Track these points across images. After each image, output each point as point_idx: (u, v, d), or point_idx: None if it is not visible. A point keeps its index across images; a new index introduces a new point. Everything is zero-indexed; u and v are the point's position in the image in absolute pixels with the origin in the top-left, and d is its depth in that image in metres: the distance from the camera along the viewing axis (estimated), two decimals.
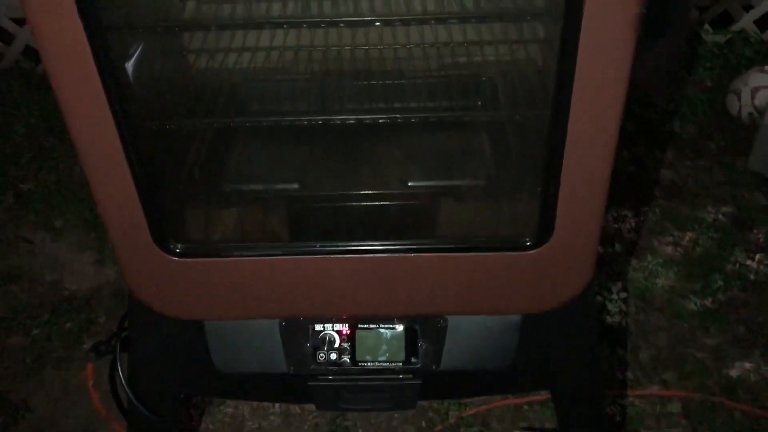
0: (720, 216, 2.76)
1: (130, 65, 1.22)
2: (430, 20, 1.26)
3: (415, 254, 1.32)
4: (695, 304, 2.43)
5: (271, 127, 1.31)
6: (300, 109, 1.40)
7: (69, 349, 2.40)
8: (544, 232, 1.26)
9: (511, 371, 1.46)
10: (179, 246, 1.31)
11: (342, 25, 1.24)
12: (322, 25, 1.21)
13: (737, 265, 2.54)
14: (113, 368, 1.73)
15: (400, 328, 1.46)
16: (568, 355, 1.46)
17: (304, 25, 1.22)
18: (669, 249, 2.64)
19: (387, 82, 1.45)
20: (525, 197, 1.32)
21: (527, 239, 1.27)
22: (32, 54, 3.76)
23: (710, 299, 2.44)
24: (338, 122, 1.31)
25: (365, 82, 1.43)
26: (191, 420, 2.14)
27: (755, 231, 2.67)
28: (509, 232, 1.38)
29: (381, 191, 1.42)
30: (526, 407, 2.12)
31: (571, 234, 1.26)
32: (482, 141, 1.47)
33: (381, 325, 1.47)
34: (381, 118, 1.30)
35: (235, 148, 1.48)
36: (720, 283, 2.47)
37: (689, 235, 2.69)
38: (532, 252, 1.28)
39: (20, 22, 3.67)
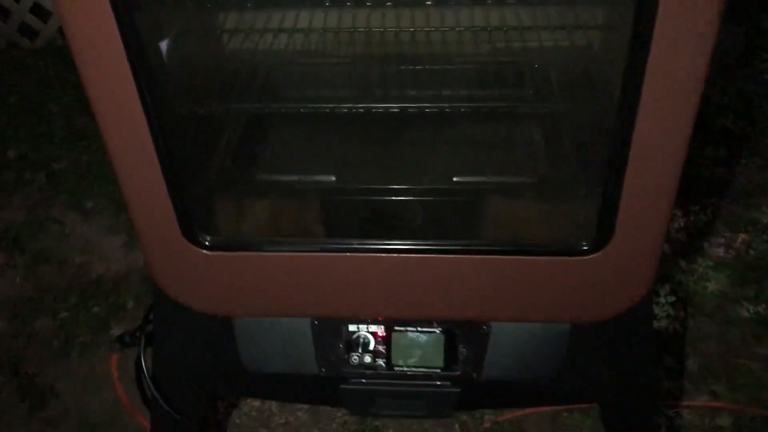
0: None
1: (162, 45, 1.13)
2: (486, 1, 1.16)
3: (460, 256, 1.23)
4: (748, 310, 2.29)
5: (308, 114, 1.22)
6: (339, 96, 1.30)
7: (96, 335, 2.36)
8: (603, 235, 1.15)
9: (557, 382, 1.36)
10: (209, 239, 1.23)
11: (389, 3, 1.13)
12: (368, 4, 1.10)
13: None
14: (138, 361, 1.67)
15: (439, 332, 1.37)
16: (621, 368, 1.36)
17: (348, 3, 1.11)
18: (720, 251, 2.50)
19: (434, 67, 1.34)
20: (582, 196, 1.21)
21: (584, 243, 1.17)
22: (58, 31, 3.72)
23: (764, 306, 2.30)
24: (380, 110, 1.21)
25: (410, 67, 1.32)
26: (217, 413, 2.08)
27: None
28: (563, 234, 1.27)
29: (424, 186, 1.31)
30: (565, 414, 2.02)
31: (633, 238, 1.15)
32: (534, 134, 1.36)
33: (419, 328, 1.38)
34: (427, 107, 1.20)
35: (268, 136, 1.39)
36: None
37: (742, 236, 2.55)
38: (588, 257, 1.18)
39: None
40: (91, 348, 2.32)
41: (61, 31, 3.71)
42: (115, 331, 2.36)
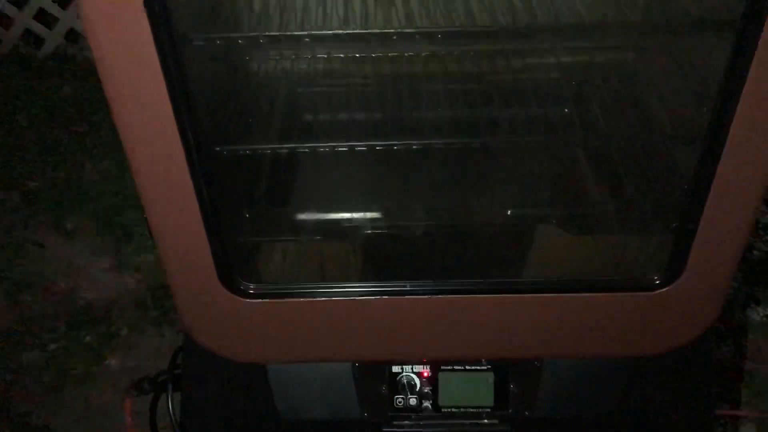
0: None
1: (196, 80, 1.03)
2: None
3: (516, 295, 1.16)
4: (757, 312, 2.29)
5: (349, 152, 1.14)
6: (382, 130, 1.22)
7: (90, 366, 2.23)
8: (673, 270, 1.10)
9: (613, 418, 1.30)
10: (250, 286, 1.13)
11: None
12: (417, 37, 1.03)
13: None
14: (154, 407, 1.56)
15: (488, 369, 1.30)
16: (679, 401, 1.31)
17: (394, 37, 1.04)
18: None
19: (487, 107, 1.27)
20: (651, 230, 1.15)
21: (654, 278, 1.11)
22: (32, 39, 3.53)
23: None
24: (421, 147, 1.14)
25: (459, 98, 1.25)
26: None
27: None
28: (628, 269, 1.21)
29: (476, 221, 1.24)
30: None
31: (704, 272, 1.10)
32: (592, 162, 1.29)
33: (467, 367, 1.31)
34: (473, 143, 1.13)
35: (305, 172, 1.30)
36: None
37: None
38: (656, 292, 1.12)
39: (19, 4, 3.44)
40: (85, 381, 2.19)
41: (24, 37, 3.52)
42: (111, 362, 2.24)
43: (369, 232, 1.26)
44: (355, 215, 1.25)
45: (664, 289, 1.12)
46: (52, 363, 2.23)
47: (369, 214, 1.25)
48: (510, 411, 1.31)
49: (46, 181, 2.88)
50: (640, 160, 1.22)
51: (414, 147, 1.11)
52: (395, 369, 1.32)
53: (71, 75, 3.45)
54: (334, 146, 1.06)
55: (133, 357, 2.25)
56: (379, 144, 1.08)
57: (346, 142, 1.10)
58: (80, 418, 2.10)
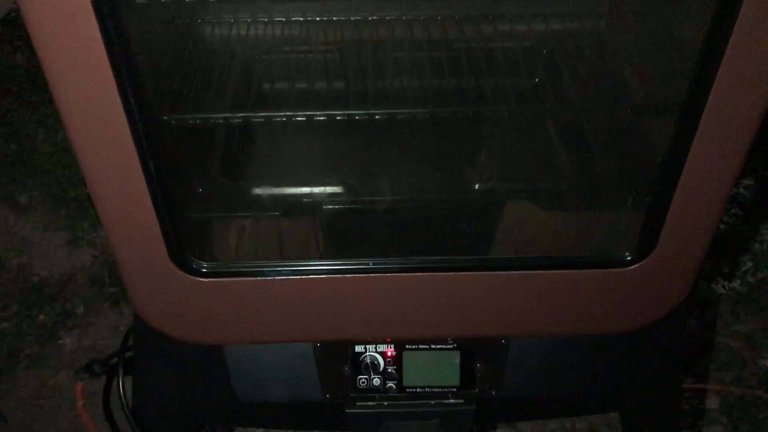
0: (742, 190, 2.61)
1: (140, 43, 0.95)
2: None
3: (483, 272, 1.11)
4: (723, 287, 2.28)
5: (307, 122, 1.07)
6: (341, 99, 1.15)
7: (43, 345, 2.14)
8: (644, 247, 1.06)
9: (580, 394, 1.28)
10: (203, 264, 1.07)
11: None
12: None
13: (765, 245, 2.40)
14: (107, 389, 1.50)
15: (454, 348, 1.26)
16: (649, 377, 1.29)
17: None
18: None
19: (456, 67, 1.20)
20: (623, 206, 1.11)
21: (625, 254, 1.07)
22: None
23: (739, 282, 2.30)
24: (386, 116, 1.08)
25: (427, 60, 1.18)
26: None
27: None
28: (599, 245, 1.17)
29: (441, 196, 1.18)
30: None
31: (676, 249, 1.06)
32: (564, 136, 1.24)
33: (432, 345, 1.27)
34: (441, 112, 1.07)
35: (261, 144, 1.23)
36: (749, 264, 2.33)
37: None
38: (627, 269, 1.09)
39: None
40: (38, 361, 2.10)
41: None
42: (66, 341, 2.16)
43: (330, 207, 1.20)
44: (315, 190, 1.19)
45: (636, 266, 1.08)
46: (3, 343, 2.14)
47: (329, 189, 1.19)
48: (476, 390, 1.27)
49: None
50: (613, 133, 1.18)
51: (377, 117, 1.05)
52: (358, 349, 1.27)
53: (23, 42, 3.30)
54: (292, 116, 1.00)
55: (90, 336, 2.17)
56: (339, 113, 1.01)
57: (305, 111, 1.04)
58: (33, 399, 2.02)
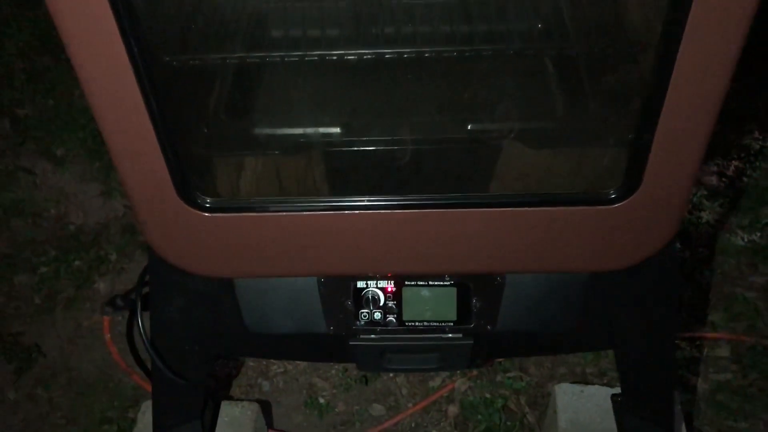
0: None
1: None
2: None
3: (476, 209, 1.16)
4: (743, 239, 2.28)
5: (308, 62, 1.11)
6: (341, 39, 1.19)
7: (79, 289, 2.27)
8: (631, 183, 1.09)
9: (575, 331, 1.32)
10: (208, 200, 1.14)
11: None
12: None
13: None
14: (131, 324, 1.60)
15: (451, 284, 1.31)
16: (642, 315, 1.32)
17: None
18: (713, 179, 2.47)
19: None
20: (608, 143, 1.14)
21: (610, 192, 1.10)
22: None
23: (759, 234, 2.29)
24: (387, 55, 1.12)
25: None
26: (215, 369, 2.03)
27: None
28: (586, 183, 1.20)
29: (436, 136, 1.23)
30: None
31: (662, 185, 1.09)
32: (555, 75, 1.27)
33: (430, 282, 1.32)
34: (445, 51, 1.10)
35: (266, 84, 1.28)
36: None
37: (734, 163, 2.51)
38: (614, 206, 1.12)
39: None
40: (75, 303, 2.23)
41: None
42: (100, 285, 2.28)
43: (330, 146, 1.25)
44: (316, 129, 1.24)
45: (622, 203, 1.11)
46: (42, 286, 2.27)
47: (330, 129, 1.24)
48: (472, 325, 1.33)
49: (35, 108, 2.87)
50: (604, 70, 1.20)
51: (367, 57, 1.09)
52: (360, 284, 1.33)
53: None
54: (284, 56, 1.04)
55: (122, 281, 2.29)
56: (331, 54, 1.06)
57: (303, 51, 1.08)
58: (70, 338, 2.15)
